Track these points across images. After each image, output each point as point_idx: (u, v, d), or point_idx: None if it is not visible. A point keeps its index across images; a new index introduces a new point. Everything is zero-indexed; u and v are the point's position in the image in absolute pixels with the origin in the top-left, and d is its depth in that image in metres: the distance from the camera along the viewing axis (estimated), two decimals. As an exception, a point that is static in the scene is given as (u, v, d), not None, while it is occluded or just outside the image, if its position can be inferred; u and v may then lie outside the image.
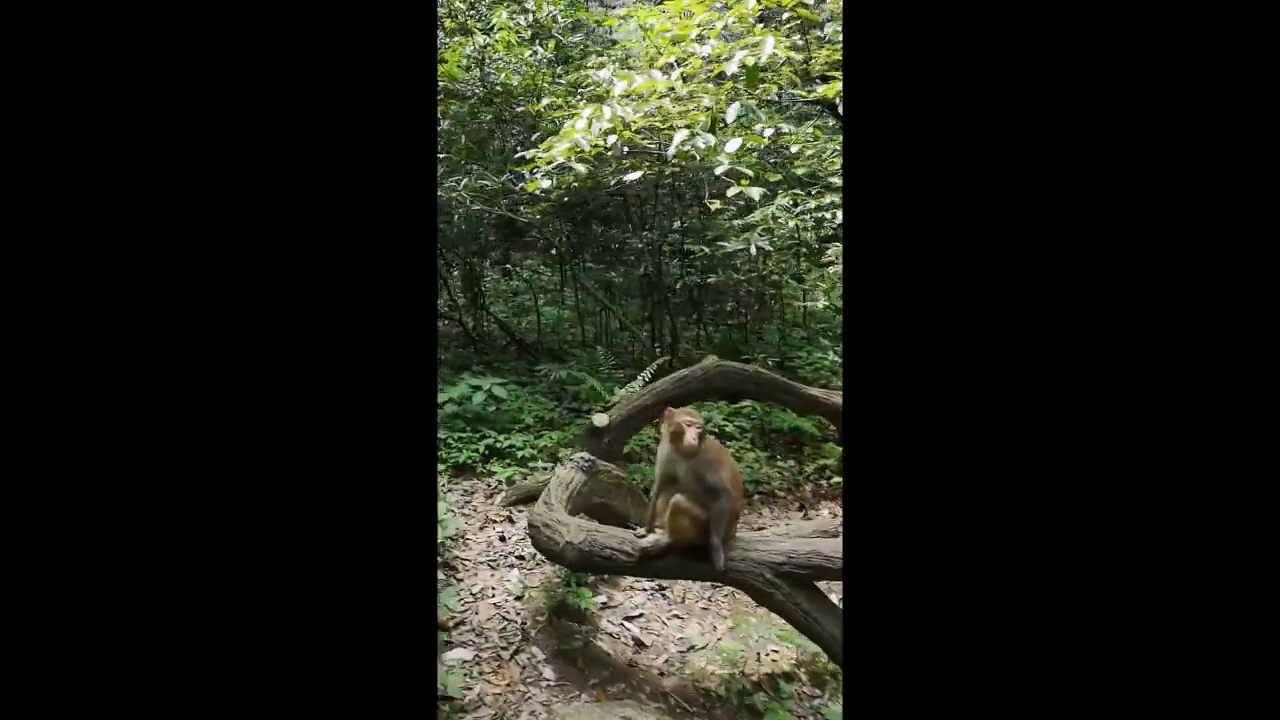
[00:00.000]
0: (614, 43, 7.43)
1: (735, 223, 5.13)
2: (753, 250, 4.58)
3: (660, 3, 4.69)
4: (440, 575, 3.35)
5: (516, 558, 3.62)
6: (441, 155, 4.88)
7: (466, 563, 3.56)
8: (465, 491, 4.38)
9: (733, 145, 3.15)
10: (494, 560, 3.61)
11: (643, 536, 2.50)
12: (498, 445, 4.72)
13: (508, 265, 8.62)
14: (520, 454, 4.65)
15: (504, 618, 3.12)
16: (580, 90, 5.22)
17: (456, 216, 4.80)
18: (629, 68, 5.11)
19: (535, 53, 4.76)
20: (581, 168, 3.56)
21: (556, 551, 2.65)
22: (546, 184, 3.93)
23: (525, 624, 3.05)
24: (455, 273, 7.14)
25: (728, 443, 4.83)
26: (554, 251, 7.29)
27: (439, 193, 4.51)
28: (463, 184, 4.42)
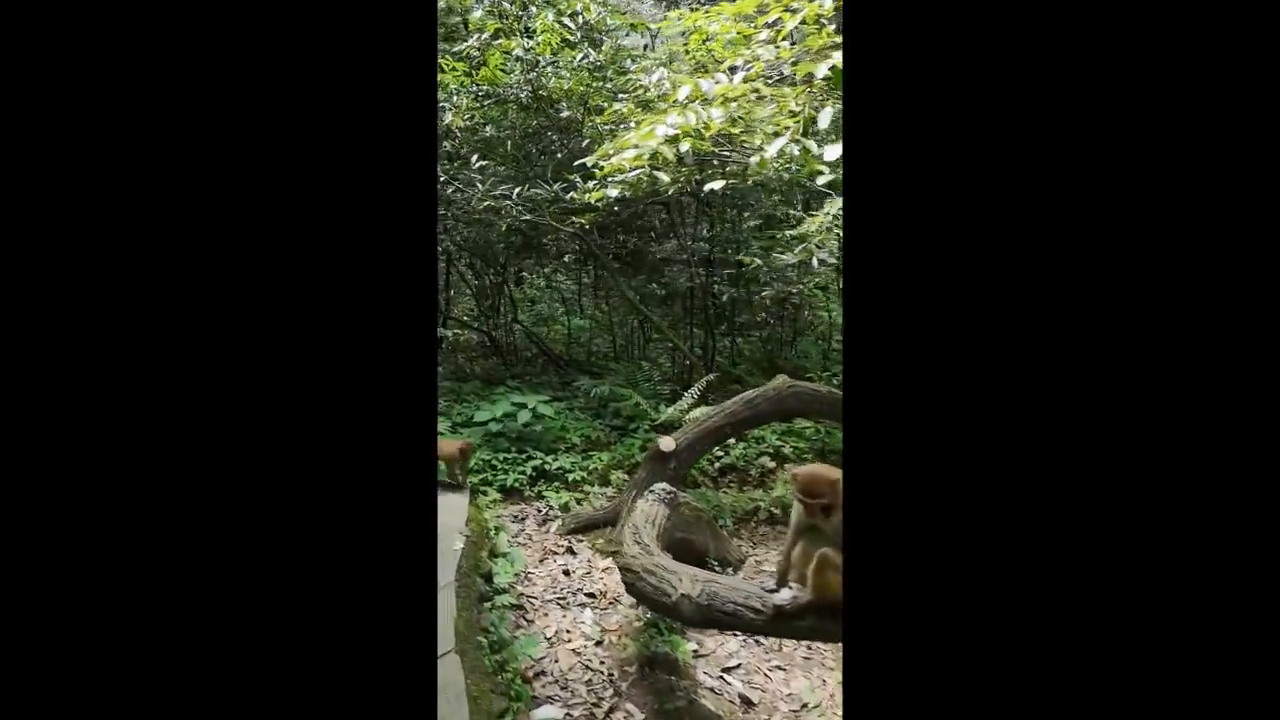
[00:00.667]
0: (645, 47, 7.14)
1: (788, 234, 4.83)
2: (814, 263, 4.29)
3: (713, 5, 4.40)
4: (509, 616, 3.00)
5: (586, 595, 3.29)
6: (484, 162, 4.54)
7: (533, 601, 3.22)
8: (516, 517, 4.04)
9: (833, 153, 2.85)
10: (562, 598, 3.27)
11: (774, 591, 2.18)
12: (545, 467, 4.38)
13: (522, 274, 8.28)
14: (570, 477, 4.31)
15: (587, 667, 2.78)
16: (621, 96, 4.92)
17: (506, 226, 4.47)
18: (676, 72, 4.82)
19: (586, 55, 4.44)
20: (665, 176, 3.25)
21: (668, 604, 2.32)
22: (614, 193, 3.62)
23: (613, 675, 2.72)
24: (479, 282, 6.79)
25: (785, 465, 4.54)
26: (571, 260, 6.98)
27: (488, 201, 4.17)
28: (515, 192, 4.08)
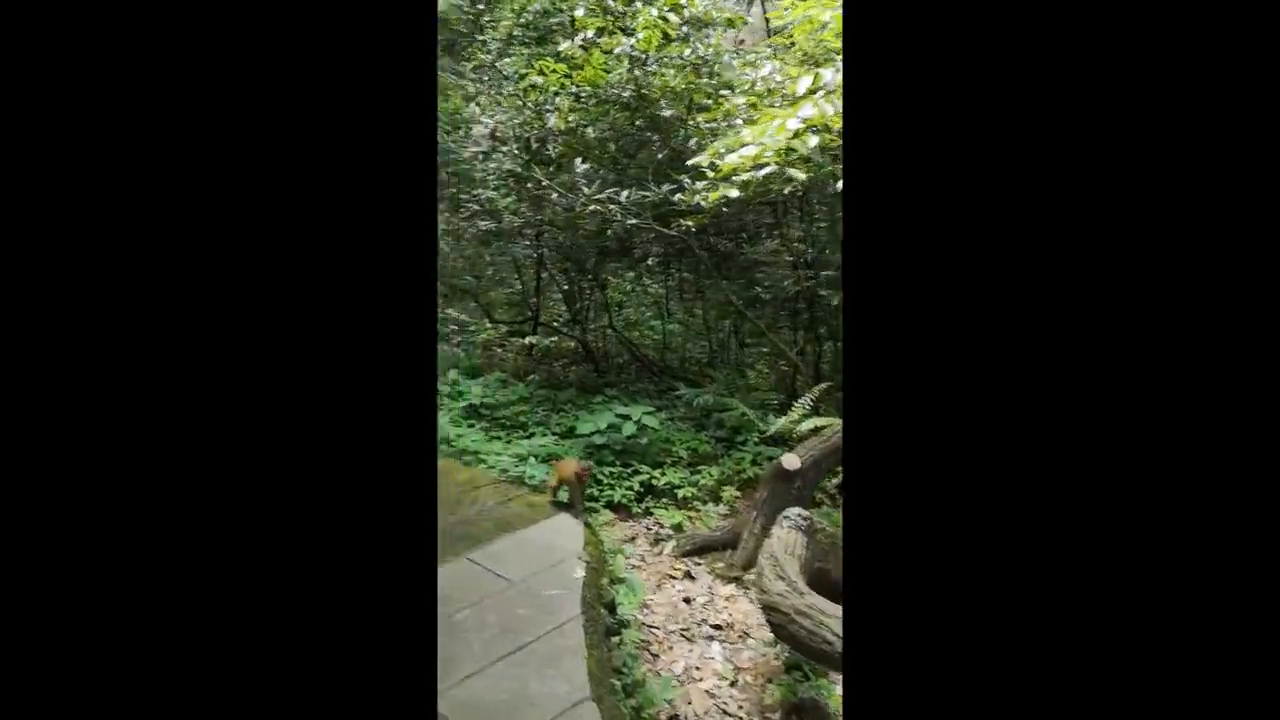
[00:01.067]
0: (740, 42, 6.83)
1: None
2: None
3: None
4: (632, 651, 2.77)
5: (712, 627, 3.03)
6: (585, 165, 4.36)
7: (655, 632, 2.98)
8: (626, 537, 3.81)
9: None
10: (686, 629, 3.02)
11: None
12: (653, 482, 4.14)
13: (608, 278, 8.11)
14: (680, 493, 4.06)
15: (724, 711, 2.52)
16: (724, 92, 4.65)
17: (609, 230, 4.28)
18: (786, 65, 4.51)
19: (695, 49, 4.19)
20: (799, 173, 2.95)
21: (829, 653, 2.02)
22: (735, 193, 3.35)
23: (755, 724, 2.44)
24: (569, 287, 6.65)
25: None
26: (655, 263, 6.74)
27: (594, 205, 3.98)
28: (624, 195, 3.87)
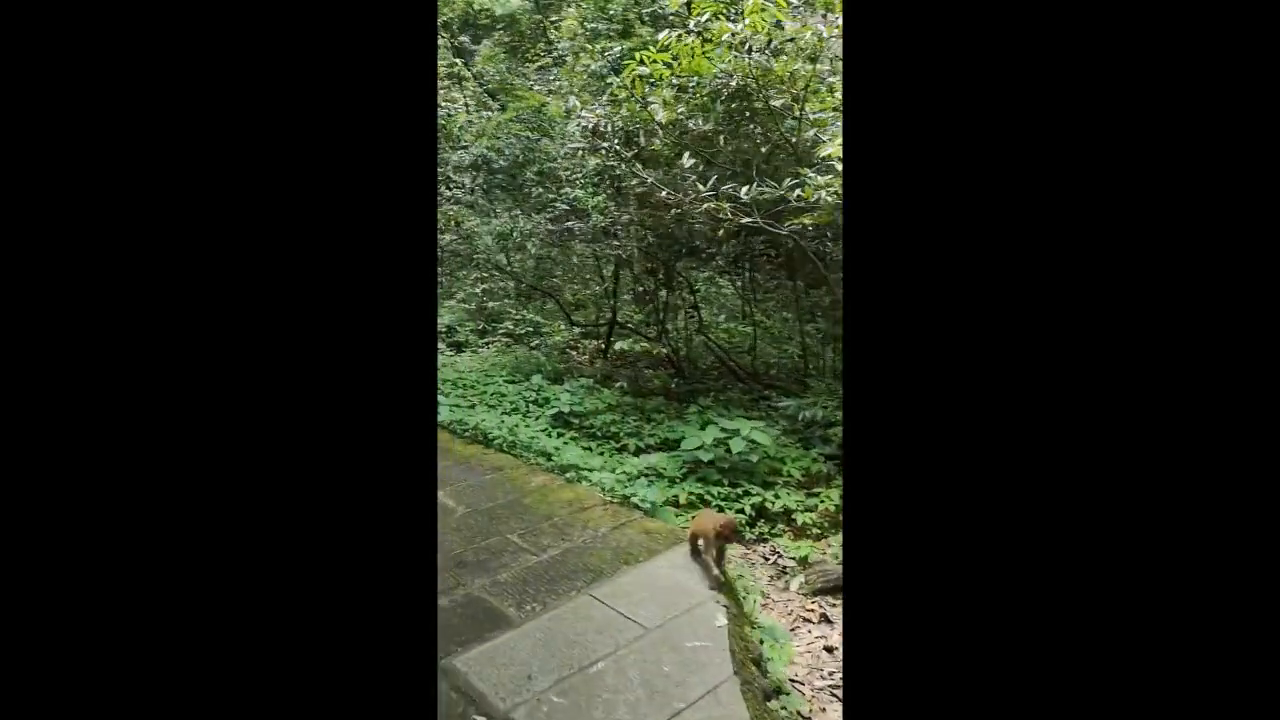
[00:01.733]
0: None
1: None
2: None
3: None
4: (779, 708, 2.37)
5: (865, 683, 2.60)
6: (690, 161, 3.97)
7: (801, 688, 2.57)
8: (740, 574, 3.41)
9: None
10: (835, 686, 2.60)
11: None
12: (766, 506, 3.73)
13: (681, 279, 7.72)
14: (797, 519, 3.64)
15: (904, 798, 2.09)
16: (831, 79, 4.21)
17: (722, 231, 3.89)
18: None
19: (817, 32, 3.76)
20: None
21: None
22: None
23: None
24: (649, 289, 6.29)
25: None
26: (725, 263, 6.33)
27: (708, 202, 3.59)
28: (744, 191, 3.47)
